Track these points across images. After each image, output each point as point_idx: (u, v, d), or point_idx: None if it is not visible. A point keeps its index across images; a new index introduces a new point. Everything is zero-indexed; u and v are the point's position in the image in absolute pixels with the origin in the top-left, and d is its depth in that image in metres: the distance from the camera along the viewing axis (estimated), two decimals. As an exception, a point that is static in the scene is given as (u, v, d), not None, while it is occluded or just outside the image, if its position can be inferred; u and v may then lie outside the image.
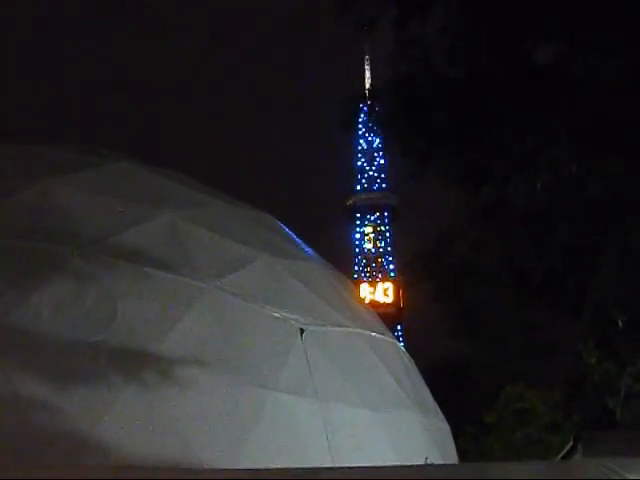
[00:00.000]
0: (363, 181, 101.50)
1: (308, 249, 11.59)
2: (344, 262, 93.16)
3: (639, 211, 12.01)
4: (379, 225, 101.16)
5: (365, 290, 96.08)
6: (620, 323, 14.61)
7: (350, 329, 10.08)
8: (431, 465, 8.49)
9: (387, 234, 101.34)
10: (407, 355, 11.78)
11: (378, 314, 12.52)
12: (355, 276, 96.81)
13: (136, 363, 7.84)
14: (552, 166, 12.36)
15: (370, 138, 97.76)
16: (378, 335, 10.76)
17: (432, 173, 13.20)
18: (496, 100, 11.69)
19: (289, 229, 11.80)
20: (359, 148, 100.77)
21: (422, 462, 8.79)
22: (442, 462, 9.57)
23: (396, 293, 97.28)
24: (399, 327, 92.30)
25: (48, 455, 7.08)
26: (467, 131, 12.08)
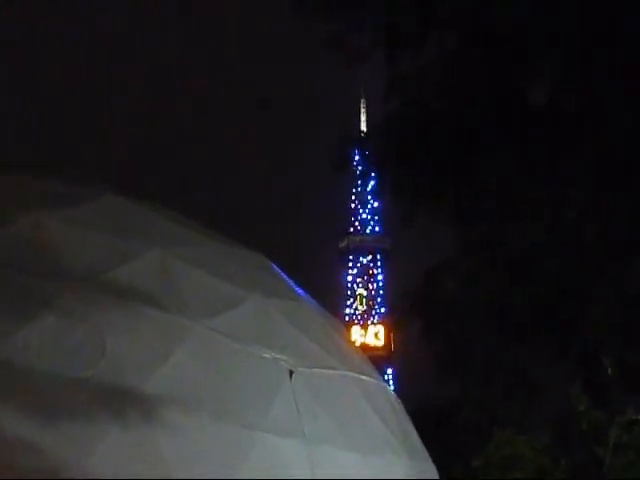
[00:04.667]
0: (357, 224, 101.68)
1: (300, 290, 11.53)
2: (336, 304, 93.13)
3: (633, 254, 12.00)
4: (371, 268, 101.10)
5: (356, 333, 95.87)
6: (609, 370, 14.57)
7: (340, 372, 10.02)
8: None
9: (379, 277, 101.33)
10: (396, 398, 11.70)
11: (369, 357, 12.45)
12: (347, 318, 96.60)
13: (122, 401, 7.75)
14: (549, 207, 12.36)
15: (364, 181, 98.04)
16: (368, 378, 10.69)
17: (423, 214, 13.19)
18: (488, 138, 11.67)
19: (281, 270, 11.76)
20: (353, 191, 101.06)
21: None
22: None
23: (387, 336, 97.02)
24: (390, 370, 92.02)
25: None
26: (458, 169, 12.08)
